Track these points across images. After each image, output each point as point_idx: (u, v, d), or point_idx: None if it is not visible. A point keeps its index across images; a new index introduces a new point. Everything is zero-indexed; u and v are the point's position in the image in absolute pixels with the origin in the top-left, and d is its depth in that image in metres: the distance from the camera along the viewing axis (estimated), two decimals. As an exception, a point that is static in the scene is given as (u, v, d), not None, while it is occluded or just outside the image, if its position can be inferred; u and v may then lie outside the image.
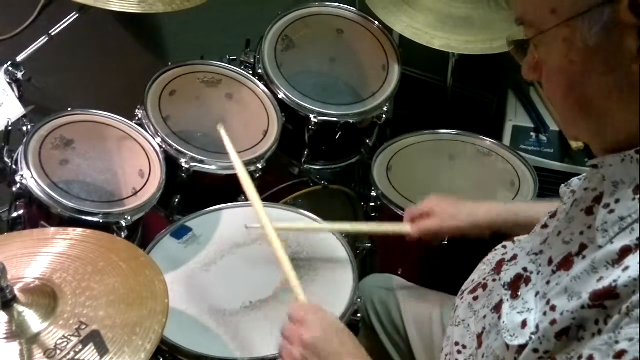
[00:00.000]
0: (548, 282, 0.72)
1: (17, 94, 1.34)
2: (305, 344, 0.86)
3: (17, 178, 1.21)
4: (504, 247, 0.96)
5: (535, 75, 0.72)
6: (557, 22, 0.65)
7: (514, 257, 0.85)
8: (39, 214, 1.25)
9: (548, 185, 1.55)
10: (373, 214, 1.51)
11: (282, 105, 1.58)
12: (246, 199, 1.49)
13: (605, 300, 0.61)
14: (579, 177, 0.84)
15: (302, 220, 1.36)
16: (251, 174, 1.48)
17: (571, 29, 0.64)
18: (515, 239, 0.95)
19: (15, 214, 1.26)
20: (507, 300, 0.77)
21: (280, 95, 1.59)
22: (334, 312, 1.12)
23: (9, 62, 1.37)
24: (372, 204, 1.50)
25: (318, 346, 0.86)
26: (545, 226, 0.84)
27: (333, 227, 1.31)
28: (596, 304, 0.62)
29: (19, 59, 1.40)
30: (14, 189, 1.22)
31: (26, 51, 1.41)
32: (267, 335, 1.10)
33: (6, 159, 1.28)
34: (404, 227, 1.22)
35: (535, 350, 0.68)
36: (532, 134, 1.79)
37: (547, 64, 0.69)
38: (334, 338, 0.88)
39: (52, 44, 1.45)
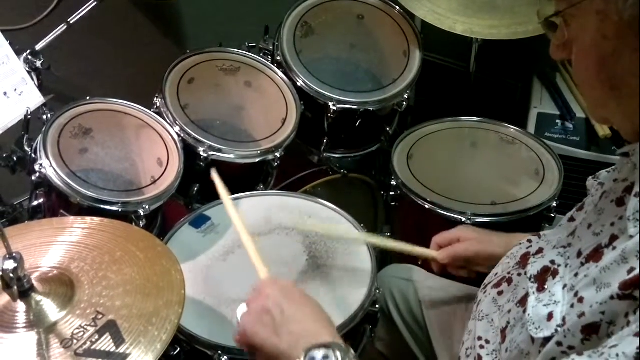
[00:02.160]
0: (576, 275, 0.70)
1: (36, 83, 1.35)
2: (268, 300, 0.81)
3: (36, 167, 1.22)
4: (529, 241, 0.93)
5: (564, 53, 0.69)
6: None
7: (540, 250, 0.83)
8: (59, 203, 1.26)
9: (574, 174, 1.51)
10: (393, 203, 1.49)
11: (301, 93, 1.56)
12: (265, 187, 1.49)
13: (635, 290, 0.59)
14: (607, 169, 0.81)
15: (324, 212, 1.34)
16: (270, 162, 1.47)
17: (605, 1, 0.61)
18: (541, 233, 0.92)
19: (35, 203, 1.27)
20: (534, 293, 0.75)
21: (299, 83, 1.57)
22: (352, 303, 1.11)
23: (28, 51, 1.37)
24: (392, 193, 1.48)
25: (275, 305, 0.80)
26: (572, 219, 0.81)
27: (361, 236, 1.26)
28: (626, 294, 0.60)
29: (38, 47, 1.40)
30: (33, 178, 1.23)
31: (45, 39, 1.42)
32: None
33: (26, 148, 1.28)
34: (431, 253, 1.16)
35: (559, 344, 0.66)
36: (557, 121, 1.74)
37: (578, 40, 0.66)
38: (296, 297, 0.84)
39: (70, 32, 1.45)
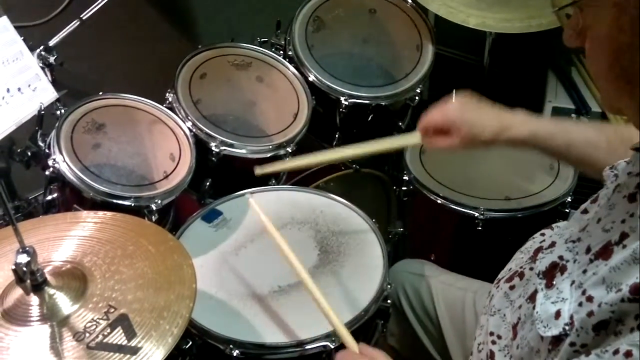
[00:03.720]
0: (585, 271, 0.69)
1: (49, 78, 1.36)
2: None
3: (50, 162, 1.23)
4: (542, 234, 0.92)
5: (577, 40, 0.67)
6: None
7: (552, 244, 0.82)
8: (72, 197, 1.27)
9: (589, 168, 1.49)
10: (405, 198, 1.48)
11: (313, 88, 1.56)
12: (277, 182, 1.49)
13: None
14: (626, 159, 0.80)
15: (337, 207, 1.33)
16: (282, 157, 1.47)
17: None
18: (554, 225, 0.90)
19: (49, 197, 1.28)
20: (542, 289, 0.74)
21: (311, 78, 1.57)
22: (363, 298, 1.11)
23: (42, 47, 1.38)
24: (404, 188, 1.48)
25: None
26: (585, 211, 0.80)
27: (336, 154, 1.26)
28: (637, 298, 0.59)
29: (52, 43, 1.41)
30: (47, 173, 1.24)
31: (58, 35, 1.43)
32: (295, 320, 1.09)
33: (40, 143, 1.29)
34: (413, 138, 1.09)
35: (572, 344, 0.65)
36: (572, 115, 1.72)
37: (593, 29, 0.65)
38: None
39: (83, 28, 1.46)
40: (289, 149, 1.46)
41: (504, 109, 1.04)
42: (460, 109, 1.05)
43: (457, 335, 1.13)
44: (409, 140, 1.11)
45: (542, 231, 0.92)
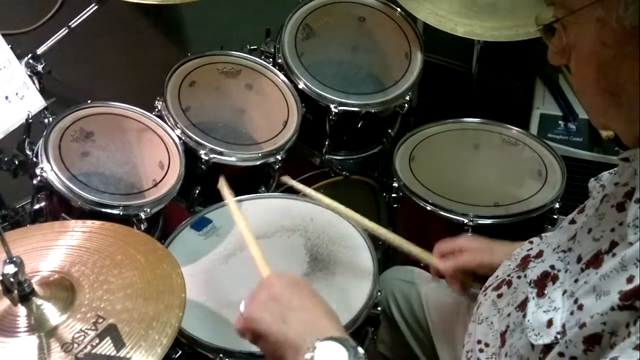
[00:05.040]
0: (576, 281, 0.69)
1: (37, 87, 1.35)
2: (270, 294, 0.80)
3: (38, 170, 1.22)
4: (530, 242, 0.92)
5: (562, 59, 0.68)
6: (590, 0, 0.61)
7: (540, 253, 0.82)
8: (60, 207, 1.26)
9: (577, 175, 1.50)
10: (395, 205, 1.49)
11: (302, 95, 1.56)
12: (267, 190, 1.49)
13: (636, 301, 0.58)
14: (609, 171, 0.80)
15: (326, 214, 1.33)
16: (271, 165, 1.47)
17: (605, 8, 0.60)
18: (542, 235, 0.91)
19: (36, 206, 1.27)
20: (533, 298, 0.74)
21: (301, 85, 1.57)
22: (353, 305, 1.11)
23: (30, 55, 1.37)
24: (394, 195, 1.48)
25: (283, 294, 0.79)
26: (573, 222, 0.80)
27: (360, 218, 1.22)
28: (626, 305, 0.59)
29: (39, 51, 1.40)
30: (35, 182, 1.23)
31: (46, 43, 1.42)
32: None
33: (27, 151, 1.28)
34: (432, 259, 1.12)
35: (561, 354, 0.66)
36: (560, 122, 1.74)
37: (577, 47, 0.66)
38: (301, 290, 0.82)
39: (72, 36, 1.45)
40: (279, 157, 1.46)
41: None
42: (469, 236, 1.13)
43: (447, 342, 1.13)
44: (427, 257, 1.13)
45: (530, 239, 0.93)
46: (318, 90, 1.56)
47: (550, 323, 0.68)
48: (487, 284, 0.94)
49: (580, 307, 0.64)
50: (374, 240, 1.31)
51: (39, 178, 1.22)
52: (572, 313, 0.66)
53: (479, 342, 0.85)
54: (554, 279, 0.73)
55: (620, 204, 0.68)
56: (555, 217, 1.40)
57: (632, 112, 0.64)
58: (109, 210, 1.23)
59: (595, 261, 0.67)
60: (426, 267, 1.32)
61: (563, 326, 0.66)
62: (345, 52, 1.75)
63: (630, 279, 0.60)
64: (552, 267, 0.75)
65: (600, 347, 0.62)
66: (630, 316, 0.59)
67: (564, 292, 0.70)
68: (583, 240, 0.72)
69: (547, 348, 0.68)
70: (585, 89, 0.67)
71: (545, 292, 0.73)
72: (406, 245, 1.14)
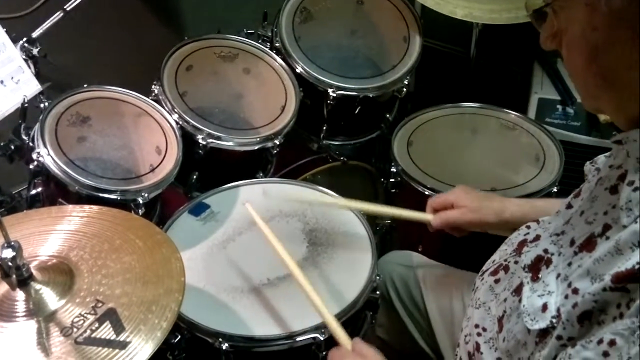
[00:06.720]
0: (570, 264, 0.69)
1: (33, 71, 1.33)
2: None
3: (34, 155, 1.21)
4: (528, 227, 0.92)
5: (553, 44, 0.68)
6: None
7: (537, 237, 0.82)
8: (57, 192, 1.25)
9: (575, 159, 1.49)
10: (393, 190, 1.48)
11: (300, 80, 1.55)
12: (264, 175, 1.48)
13: (628, 284, 0.59)
14: (605, 154, 0.80)
15: (324, 199, 1.34)
16: (269, 150, 1.46)
17: None
18: (540, 219, 0.91)
19: (33, 192, 1.26)
20: (528, 282, 0.74)
21: (298, 70, 1.56)
22: (352, 290, 1.11)
23: (25, 39, 1.35)
24: (392, 180, 1.48)
25: None
26: (569, 206, 0.80)
27: (352, 204, 1.27)
28: (618, 287, 0.59)
29: (35, 35, 1.38)
30: (31, 167, 1.22)
31: (41, 27, 1.40)
32: (285, 312, 1.09)
33: (23, 136, 1.27)
34: (426, 216, 1.16)
35: (559, 337, 0.66)
36: (558, 106, 1.73)
37: (568, 31, 0.66)
38: None
39: (67, 19, 1.43)
40: (277, 141, 1.46)
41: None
42: (462, 189, 1.14)
43: (445, 326, 1.13)
44: (421, 216, 1.17)
45: (528, 224, 0.93)
46: (316, 75, 1.55)
47: (545, 307, 0.69)
48: (484, 268, 0.94)
49: (574, 291, 0.65)
50: (372, 225, 1.31)
51: (35, 163, 1.21)
52: (566, 297, 0.66)
53: (477, 326, 0.86)
54: (548, 262, 0.73)
55: (614, 186, 0.68)
56: (553, 201, 1.40)
57: (623, 96, 0.64)
58: (106, 195, 1.23)
59: (588, 244, 0.67)
60: (424, 252, 1.33)
61: (558, 310, 0.67)
62: (343, 36, 1.74)
63: (624, 263, 0.60)
64: (546, 250, 0.75)
65: (590, 322, 0.63)
66: (621, 297, 0.60)
67: (558, 275, 0.70)
68: (576, 223, 0.73)
69: (543, 332, 0.68)
70: (577, 74, 0.68)
71: (540, 276, 0.73)
72: (396, 211, 1.20)
